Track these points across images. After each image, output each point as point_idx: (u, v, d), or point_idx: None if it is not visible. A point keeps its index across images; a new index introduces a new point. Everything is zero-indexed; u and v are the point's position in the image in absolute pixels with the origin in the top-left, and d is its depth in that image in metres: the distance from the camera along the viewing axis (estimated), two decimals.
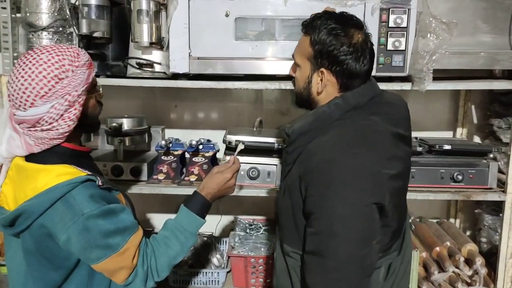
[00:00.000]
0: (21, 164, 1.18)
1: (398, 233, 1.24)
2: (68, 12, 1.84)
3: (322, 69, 1.19)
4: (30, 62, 1.11)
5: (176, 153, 1.97)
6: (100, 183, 1.19)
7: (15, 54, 1.89)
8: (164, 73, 1.86)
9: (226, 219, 2.44)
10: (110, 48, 1.95)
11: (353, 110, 1.17)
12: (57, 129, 1.14)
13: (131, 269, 1.18)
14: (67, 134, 1.17)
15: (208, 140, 2.02)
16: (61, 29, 1.84)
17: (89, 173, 1.18)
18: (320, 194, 1.07)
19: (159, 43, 1.85)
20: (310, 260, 1.09)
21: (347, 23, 1.18)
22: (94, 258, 1.15)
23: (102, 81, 1.84)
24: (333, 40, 1.16)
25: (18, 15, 1.89)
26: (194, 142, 1.92)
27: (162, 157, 1.98)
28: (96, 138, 2.18)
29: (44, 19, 1.81)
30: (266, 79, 1.82)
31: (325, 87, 1.20)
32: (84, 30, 1.82)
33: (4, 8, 1.85)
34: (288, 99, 2.38)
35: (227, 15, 1.77)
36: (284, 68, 1.77)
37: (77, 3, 1.85)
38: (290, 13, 1.77)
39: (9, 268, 1.28)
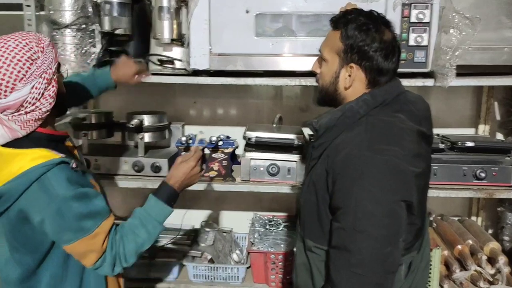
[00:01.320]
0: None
1: (421, 231, 1.23)
2: (90, 10, 1.87)
3: (352, 64, 1.18)
4: (1, 51, 1.13)
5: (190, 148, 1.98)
6: (74, 165, 1.22)
7: None
8: (185, 69, 1.87)
9: (245, 215, 2.45)
10: (131, 45, 1.97)
11: (379, 107, 1.17)
12: (40, 109, 1.17)
13: (100, 253, 1.22)
14: (48, 113, 1.20)
15: (228, 137, 2.03)
16: (83, 26, 1.86)
17: (63, 155, 1.21)
18: (347, 189, 1.07)
19: (180, 39, 1.86)
20: (335, 255, 1.09)
21: (377, 20, 1.19)
22: (66, 240, 1.19)
23: None
24: (364, 36, 1.16)
25: (42, 12, 1.92)
26: (214, 139, 1.93)
27: (182, 154, 1.99)
28: (116, 133, 2.20)
29: (67, 16, 1.84)
30: (286, 76, 1.82)
31: (353, 83, 1.20)
32: (106, 27, 1.85)
33: (29, 6, 1.88)
34: (308, 96, 2.37)
35: (247, 12, 1.77)
36: (304, 64, 1.77)
37: (99, 1, 1.88)
38: (311, 9, 1.76)
39: None
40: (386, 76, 1.20)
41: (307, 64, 1.67)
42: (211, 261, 2.05)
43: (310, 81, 1.79)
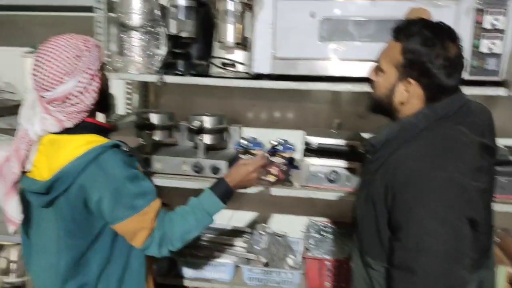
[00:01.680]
0: (54, 138, 1.31)
1: (488, 249, 1.19)
2: (157, 13, 1.91)
3: (410, 79, 1.14)
4: (53, 48, 1.26)
5: (254, 152, 1.99)
6: (126, 149, 1.35)
7: (108, 53, 1.98)
8: (247, 73, 1.88)
9: (297, 219, 2.44)
10: (195, 47, 2.00)
11: (440, 120, 1.13)
12: (84, 102, 1.29)
13: (150, 230, 1.31)
14: (92, 106, 1.32)
15: (285, 141, 2.02)
16: (150, 29, 1.91)
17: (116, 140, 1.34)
18: (408, 207, 1.04)
19: (243, 43, 1.87)
20: (397, 275, 1.06)
21: (444, 34, 1.13)
22: (120, 217, 1.28)
23: (187, 79, 1.91)
24: (428, 51, 1.10)
25: (111, 15, 1.99)
26: (273, 143, 1.93)
27: (245, 157, 2.01)
28: (176, 134, 2.24)
29: (136, 19, 1.89)
30: (348, 81, 1.79)
31: (410, 99, 1.16)
32: (173, 30, 1.88)
33: (99, 8, 1.95)
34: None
35: (312, 16, 1.75)
36: (360, 69, 1.73)
37: (166, 4, 1.92)
38: (377, 14, 1.72)
39: (38, 240, 1.39)
40: (447, 92, 1.15)
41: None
42: (266, 264, 2.06)
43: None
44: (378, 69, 1.23)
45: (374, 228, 1.16)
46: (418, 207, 1.02)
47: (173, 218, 1.36)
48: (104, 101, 1.40)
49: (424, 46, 1.11)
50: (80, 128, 1.32)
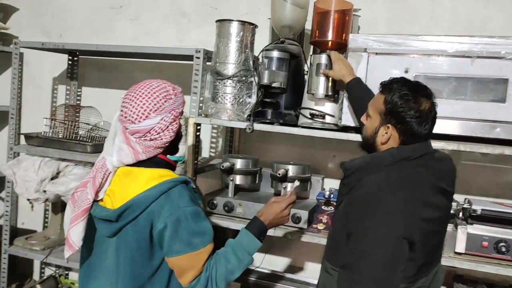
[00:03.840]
0: (128, 169, 1.41)
1: (426, 271, 1.36)
2: (251, 64, 2.00)
3: (389, 125, 1.38)
4: (145, 87, 1.39)
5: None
6: (193, 186, 1.44)
7: (201, 98, 2.09)
8: (336, 124, 1.90)
9: None
10: (284, 97, 2.05)
11: (403, 160, 1.35)
12: (161, 139, 1.39)
13: (199, 271, 1.34)
14: (167, 144, 1.41)
15: (337, 190, 1.99)
16: (243, 78, 2.00)
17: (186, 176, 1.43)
18: (360, 219, 1.28)
19: (333, 95, 1.90)
20: (342, 274, 1.29)
21: (418, 92, 1.36)
22: (175, 251, 1.32)
23: (275, 128, 1.95)
24: (403, 104, 1.34)
25: (208, 63, 2.11)
26: (327, 193, 1.98)
27: (323, 207, 1.99)
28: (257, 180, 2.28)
29: (230, 69, 1.99)
30: (439, 138, 1.74)
31: (388, 140, 1.39)
32: (265, 80, 1.96)
33: (198, 57, 2.08)
34: (454, 160, 2.24)
35: (406, 71, 1.75)
36: (452, 127, 1.71)
37: (260, 56, 2.02)
38: (475, 73, 1.68)
39: (97, 268, 1.44)
40: (418, 139, 1.37)
41: (455, 127, 1.72)
42: None
43: (455, 146, 1.69)
44: (367, 115, 1.47)
45: (337, 237, 1.40)
46: (367, 220, 1.26)
47: (217, 259, 1.39)
48: (175, 143, 1.49)
49: (400, 99, 1.35)
50: (152, 162, 1.41)
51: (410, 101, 1.34)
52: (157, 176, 1.36)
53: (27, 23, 3.04)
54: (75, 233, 1.38)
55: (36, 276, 3.10)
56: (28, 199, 2.40)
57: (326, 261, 1.46)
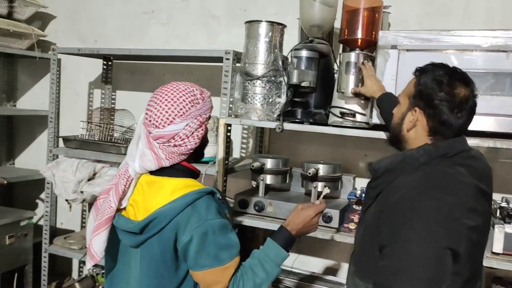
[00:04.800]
0: (152, 179, 1.35)
1: (470, 284, 1.19)
2: (280, 63, 2.01)
3: (416, 108, 1.25)
4: (172, 90, 1.32)
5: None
6: (219, 196, 1.37)
7: (231, 99, 2.11)
8: (367, 123, 1.88)
9: None
10: (313, 96, 2.05)
11: (440, 158, 1.20)
12: (186, 145, 1.32)
13: (225, 286, 1.28)
14: (191, 151, 1.34)
15: None
16: (273, 78, 2.01)
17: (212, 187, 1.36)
18: (396, 229, 1.11)
19: (363, 94, 1.88)
20: None
21: (455, 76, 1.23)
22: (201, 265, 1.27)
23: (305, 127, 1.95)
24: (435, 85, 1.21)
25: (238, 64, 2.13)
26: (358, 192, 1.96)
27: (354, 206, 1.97)
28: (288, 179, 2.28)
29: (260, 69, 2.00)
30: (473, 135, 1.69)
31: (415, 127, 1.26)
32: (294, 79, 1.96)
33: (228, 59, 2.10)
34: (491, 158, 2.18)
35: None
36: (488, 124, 1.67)
37: (289, 55, 2.02)
38: (500, 67, 1.64)
39: (120, 279, 1.40)
40: (450, 129, 1.22)
41: (489, 123, 1.66)
42: None
43: (508, 143, 1.64)
44: (397, 102, 1.36)
45: (367, 250, 1.24)
46: (405, 230, 1.09)
47: (243, 272, 1.33)
48: (200, 150, 1.42)
49: (433, 81, 1.22)
50: (175, 170, 1.34)
51: (443, 83, 1.21)
52: (183, 187, 1.30)
53: (64, 30, 3.15)
54: (97, 243, 1.32)
55: (75, 274, 3.20)
56: (67, 200, 2.49)
57: (355, 278, 1.29)
